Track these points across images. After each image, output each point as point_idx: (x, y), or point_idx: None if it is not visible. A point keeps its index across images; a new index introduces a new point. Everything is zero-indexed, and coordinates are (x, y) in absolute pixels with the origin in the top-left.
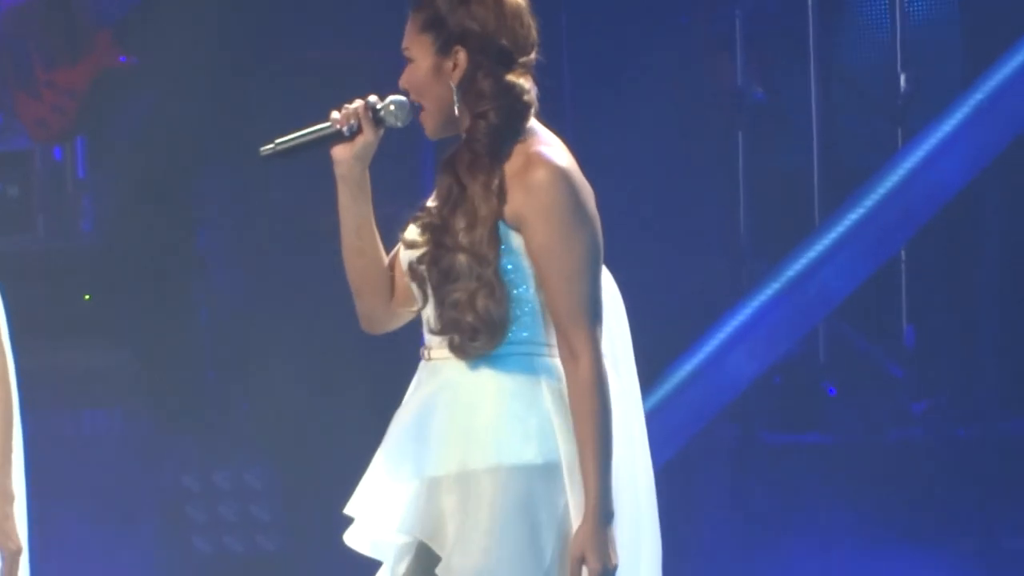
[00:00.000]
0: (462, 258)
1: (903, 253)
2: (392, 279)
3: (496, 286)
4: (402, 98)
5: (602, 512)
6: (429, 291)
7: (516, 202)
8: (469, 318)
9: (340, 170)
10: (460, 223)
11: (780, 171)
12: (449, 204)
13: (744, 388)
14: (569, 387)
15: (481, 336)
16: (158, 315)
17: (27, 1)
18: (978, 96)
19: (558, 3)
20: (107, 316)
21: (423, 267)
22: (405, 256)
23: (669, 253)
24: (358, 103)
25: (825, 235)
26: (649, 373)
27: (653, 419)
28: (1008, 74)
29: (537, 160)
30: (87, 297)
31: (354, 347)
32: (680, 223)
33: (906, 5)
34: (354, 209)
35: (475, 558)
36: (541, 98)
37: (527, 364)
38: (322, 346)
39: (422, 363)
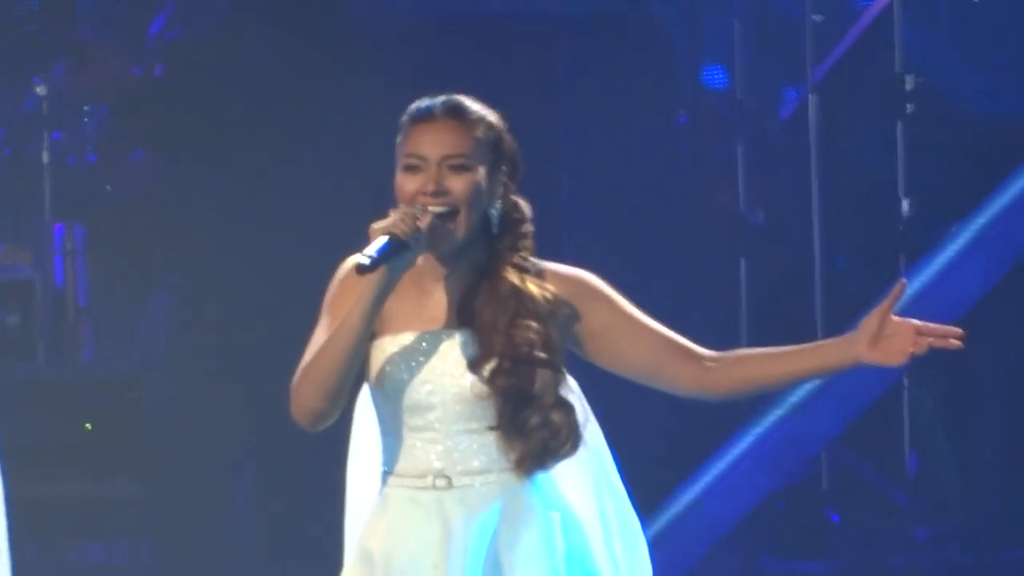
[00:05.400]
0: (545, 373)
1: (905, 380)
2: None
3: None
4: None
5: None
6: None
7: (565, 303)
8: (564, 430)
9: (394, 277)
10: (530, 334)
11: (782, 297)
12: (510, 314)
13: (747, 513)
14: (713, 365)
15: (574, 439)
16: (157, 442)
17: None
18: (980, 220)
19: (560, 138)
20: (108, 446)
21: (501, 381)
22: (463, 378)
23: None
24: (420, 215)
25: None
26: (652, 499)
27: (657, 545)
28: (1008, 201)
29: (554, 268)
30: (88, 426)
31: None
32: None
33: (907, 130)
34: (375, 316)
35: None
36: (540, 223)
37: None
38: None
39: (424, 494)
